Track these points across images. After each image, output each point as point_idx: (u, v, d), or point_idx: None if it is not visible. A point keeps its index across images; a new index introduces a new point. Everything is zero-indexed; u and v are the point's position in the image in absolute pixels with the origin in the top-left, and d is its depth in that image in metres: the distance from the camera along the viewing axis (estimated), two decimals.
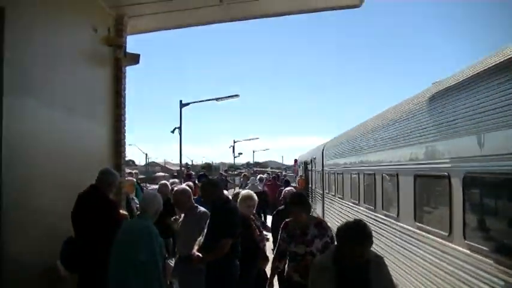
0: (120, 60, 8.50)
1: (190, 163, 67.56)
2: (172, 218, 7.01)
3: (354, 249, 3.65)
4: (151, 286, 4.73)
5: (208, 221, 5.58)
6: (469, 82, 5.00)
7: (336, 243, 3.80)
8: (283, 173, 43.21)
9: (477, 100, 4.70)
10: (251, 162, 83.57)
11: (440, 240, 5.47)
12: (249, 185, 18.47)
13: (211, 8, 8.77)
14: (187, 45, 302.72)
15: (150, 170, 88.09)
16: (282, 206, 7.79)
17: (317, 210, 19.88)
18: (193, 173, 23.76)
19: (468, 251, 4.70)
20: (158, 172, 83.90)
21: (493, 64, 4.47)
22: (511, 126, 4.02)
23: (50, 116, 6.00)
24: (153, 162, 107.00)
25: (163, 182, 10.57)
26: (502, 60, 4.30)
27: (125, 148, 8.85)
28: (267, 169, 65.64)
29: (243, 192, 6.87)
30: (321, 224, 5.35)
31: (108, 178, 5.81)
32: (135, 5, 8.47)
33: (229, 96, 24.67)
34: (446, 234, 5.28)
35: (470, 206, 4.87)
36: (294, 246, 5.25)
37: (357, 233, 3.66)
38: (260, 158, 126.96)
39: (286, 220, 5.55)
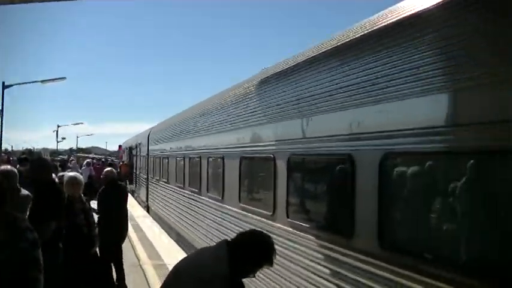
0: None
1: (10, 149, 59.89)
2: None
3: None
4: None
5: (31, 203, 5.31)
6: (293, 69, 5.23)
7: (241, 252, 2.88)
8: (110, 158, 42.10)
9: (301, 85, 4.93)
10: (74, 148, 79.88)
11: (264, 219, 5.67)
12: (71, 168, 17.62)
13: None
14: (12, 22, 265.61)
15: None
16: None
17: (141, 195, 19.43)
18: (12, 158, 21.41)
19: (290, 229, 4.94)
20: None
21: (315, 54, 4.73)
22: (333, 110, 4.28)
23: None
24: None
25: None
26: (327, 49, 4.57)
27: None
28: (91, 155, 62.40)
29: (69, 174, 6.65)
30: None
31: None
32: None
33: (55, 79, 24.68)
34: (270, 213, 5.49)
35: (293, 186, 5.12)
36: None
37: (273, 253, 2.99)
38: (84, 144, 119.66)
39: None
